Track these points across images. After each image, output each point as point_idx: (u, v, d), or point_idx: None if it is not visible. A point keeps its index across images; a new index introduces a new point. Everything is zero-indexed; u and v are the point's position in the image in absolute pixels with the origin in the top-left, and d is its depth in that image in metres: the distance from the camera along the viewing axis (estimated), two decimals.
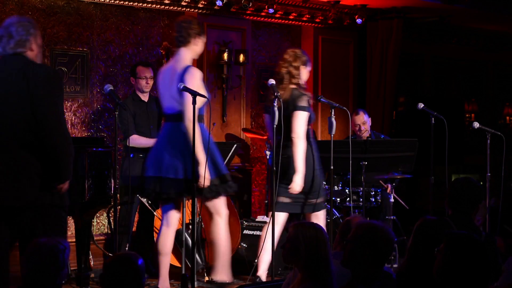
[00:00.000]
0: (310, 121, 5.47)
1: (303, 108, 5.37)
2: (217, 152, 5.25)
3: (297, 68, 5.47)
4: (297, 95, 5.40)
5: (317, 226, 3.57)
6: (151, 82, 6.42)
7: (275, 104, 5.08)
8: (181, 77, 4.97)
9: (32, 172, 4.07)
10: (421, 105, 5.71)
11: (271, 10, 8.01)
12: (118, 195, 5.74)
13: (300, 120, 5.35)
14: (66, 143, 4.08)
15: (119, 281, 3.20)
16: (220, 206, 5.29)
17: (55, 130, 4.03)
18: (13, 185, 4.06)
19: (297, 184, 5.34)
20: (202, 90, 4.98)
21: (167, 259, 5.26)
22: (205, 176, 4.91)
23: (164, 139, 5.18)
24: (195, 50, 5.21)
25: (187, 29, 5.14)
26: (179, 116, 5.03)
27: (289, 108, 5.32)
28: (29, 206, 4.06)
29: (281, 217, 5.49)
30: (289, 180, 5.35)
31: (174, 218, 5.26)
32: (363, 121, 7.17)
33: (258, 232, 6.25)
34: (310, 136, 5.50)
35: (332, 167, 5.41)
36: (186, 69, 5.04)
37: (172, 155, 5.05)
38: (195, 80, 5.01)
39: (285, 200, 5.43)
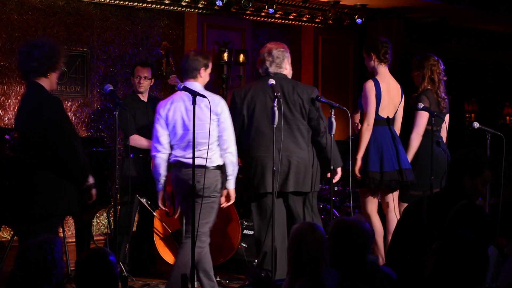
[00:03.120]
0: None
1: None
2: (389, 150, 5.77)
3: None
4: None
5: (315, 225, 3.61)
6: (145, 82, 6.31)
7: (275, 104, 5.08)
8: (401, 93, 5.93)
9: None
10: (421, 105, 5.71)
11: (271, 10, 8.01)
12: (118, 195, 5.74)
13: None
14: None
15: (93, 276, 3.19)
16: (389, 200, 5.84)
17: None
18: None
19: None
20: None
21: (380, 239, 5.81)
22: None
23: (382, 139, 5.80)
24: None
25: (389, 50, 5.95)
26: (384, 121, 5.82)
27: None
28: None
29: None
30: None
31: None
32: None
33: None
34: None
35: (332, 167, 5.42)
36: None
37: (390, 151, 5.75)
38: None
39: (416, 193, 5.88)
